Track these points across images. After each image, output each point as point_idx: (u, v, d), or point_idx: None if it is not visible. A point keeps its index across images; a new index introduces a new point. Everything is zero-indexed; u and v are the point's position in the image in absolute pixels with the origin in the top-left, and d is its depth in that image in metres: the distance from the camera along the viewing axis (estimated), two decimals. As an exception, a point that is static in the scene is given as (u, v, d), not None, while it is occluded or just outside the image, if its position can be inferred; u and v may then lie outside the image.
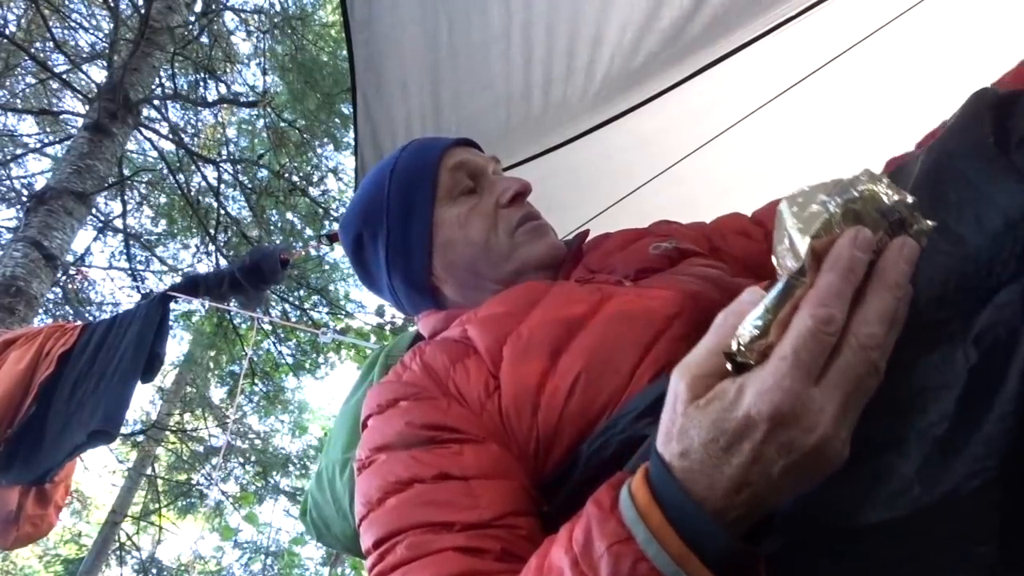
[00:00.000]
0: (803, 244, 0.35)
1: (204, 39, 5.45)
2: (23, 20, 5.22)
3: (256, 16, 5.73)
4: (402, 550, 0.54)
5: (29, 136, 5.66)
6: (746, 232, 0.96)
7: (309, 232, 5.96)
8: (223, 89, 5.68)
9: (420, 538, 0.54)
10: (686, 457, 0.37)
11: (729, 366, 0.36)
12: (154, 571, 7.05)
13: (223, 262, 5.27)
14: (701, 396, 0.37)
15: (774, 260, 0.38)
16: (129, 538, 6.36)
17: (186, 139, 5.64)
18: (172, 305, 2.41)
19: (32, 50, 4.96)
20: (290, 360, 6.45)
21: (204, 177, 5.39)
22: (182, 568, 7.71)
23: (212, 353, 6.57)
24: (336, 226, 5.83)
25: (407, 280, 0.86)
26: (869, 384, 0.34)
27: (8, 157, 5.21)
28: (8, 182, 5.10)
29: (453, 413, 0.63)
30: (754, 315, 0.35)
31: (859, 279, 0.34)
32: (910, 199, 0.36)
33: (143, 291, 5.30)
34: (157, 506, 6.87)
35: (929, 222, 0.36)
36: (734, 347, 0.36)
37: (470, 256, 0.82)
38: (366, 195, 0.88)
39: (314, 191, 6.07)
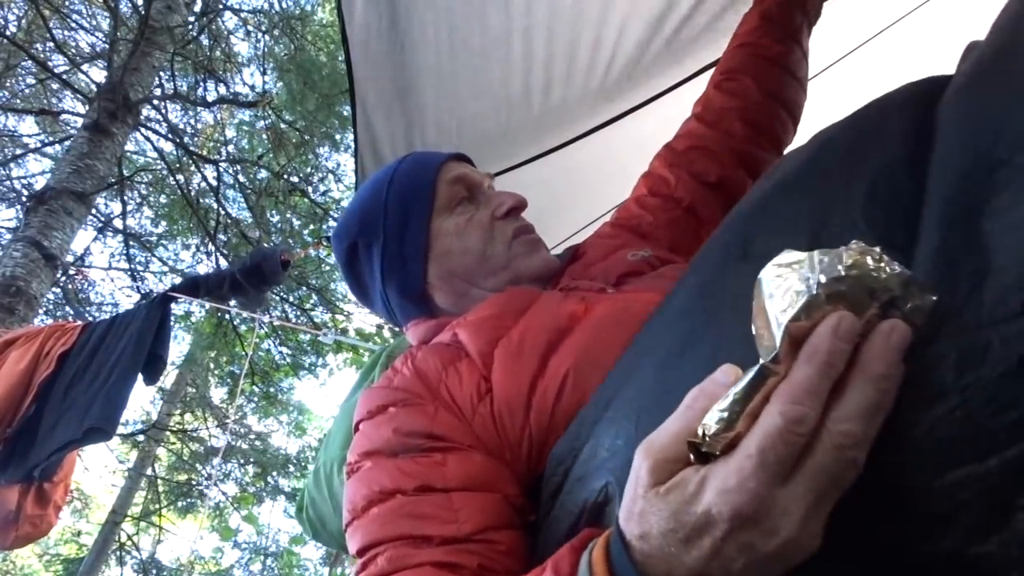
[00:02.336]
0: (779, 327, 0.32)
1: (204, 39, 5.45)
2: (23, 20, 5.22)
3: (256, 16, 5.73)
4: (382, 562, 0.55)
5: (29, 136, 5.67)
6: (661, 207, 1.00)
7: (308, 233, 5.96)
8: (223, 89, 5.68)
9: (399, 551, 0.55)
10: (645, 540, 0.36)
11: (692, 456, 0.34)
12: (154, 571, 7.05)
13: (223, 262, 5.27)
14: (663, 482, 0.35)
15: (753, 331, 0.35)
16: (129, 538, 6.37)
17: (186, 139, 5.64)
18: (172, 306, 2.41)
19: (32, 50, 4.95)
20: (289, 361, 6.45)
21: (204, 177, 5.39)
22: (182, 568, 7.71)
23: (212, 354, 6.57)
24: (335, 226, 5.85)
25: (401, 289, 0.87)
26: (846, 478, 0.31)
27: (8, 157, 5.21)
28: (8, 182, 5.10)
29: (440, 420, 0.64)
30: (722, 403, 0.33)
31: (839, 372, 0.31)
32: (906, 273, 0.32)
33: (143, 291, 5.31)
34: (157, 506, 6.88)
35: (931, 297, 0.32)
36: (699, 435, 0.33)
37: (467, 265, 0.83)
38: (362, 205, 0.89)
39: (313, 192, 6.08)
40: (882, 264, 0.32)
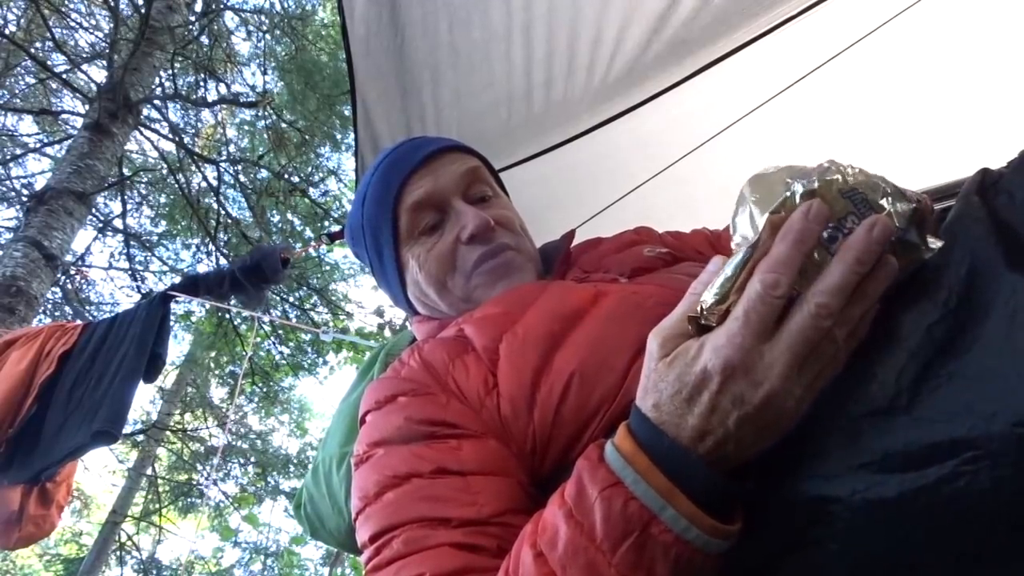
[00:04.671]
0: (762, 219, 0.38)
1: (204, 39, 5.45)
2: (23, 20, 5.22)
3: (256, 16, 5.73)
4: (398, 544, 0.54)
5: (29, 136, 5.66)
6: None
7: (309, 233, 5.96)
8: (223, 89, 5.68)
9: (417, 532, 0.54)
10: (658, 409, 0.41)
11: (691, 328, 0.40)
12: (154, 571, 7.05)
13: (223, 262, 5.27)
14: (669, 354, 0.41)
15: (731, 231, 0.42)
16: (129, 538, 6.37)
17: (186, 139, 5.64)
18: (172, 305, 2.40)
19: (32, 50, 4.95)
20: (289, 360, 6.45)
21: (204, 177, 5.39)
22: (182, 568, 7.71)
23: (212, 353, 6.56)
24: (335, 226, 5.86)
25: (392, 299, 0.91)
26: (825, 350, 0.37)
27: (8, 157, 5.21)
28: (8, 182, 5.10)
29: (452, 409, 0.63)
30: (716, 283, 0.39)
31: (809, 248, 0.37)
32: (883, 181, 0.38)
33: (143, 291, 5.30)
34: (157, 506, 6.87)
35: (910, 204, 0.38)
36: (697, 311, 0.40)
37: (433, 294, 0.82)
38: (350, 220, 0.90)
39: (314, 192, 6.07)
40: (855, 171, 0.39)
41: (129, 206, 5.48)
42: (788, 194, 0.38)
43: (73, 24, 5.24)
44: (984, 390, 0.31)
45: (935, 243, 0.38)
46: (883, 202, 0.38)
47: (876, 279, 0.37)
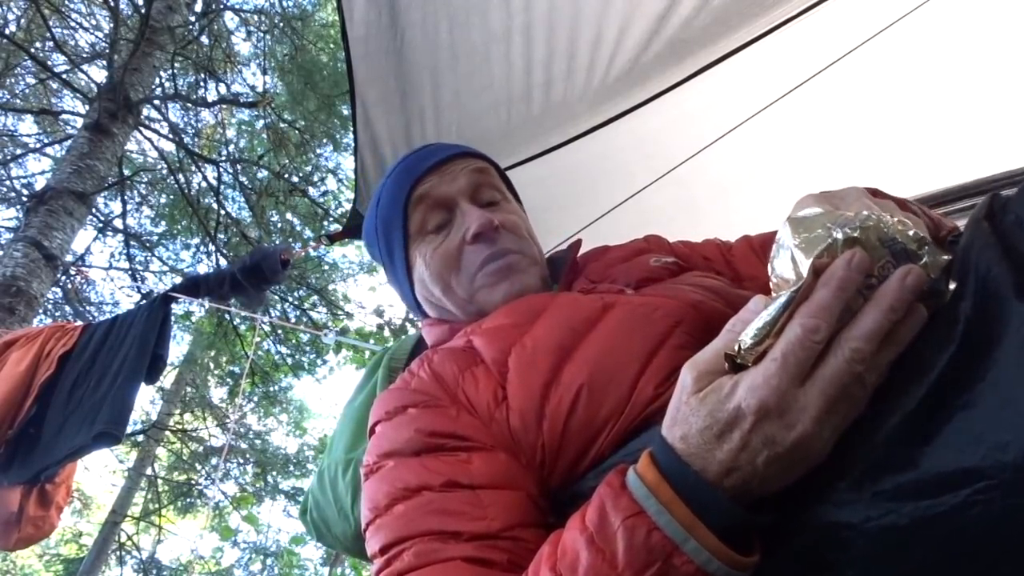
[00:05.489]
0: (805, 263, 0.39)
1: (204, 39, 5.44)
2: (23, 20, 5.21)
3: (256, 16, 5.73)
4: (409, 557, 0.54)
5: (29, 136, 5.65)
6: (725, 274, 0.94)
7: (309, 232, 5.96)
8: (223, 89, 5.68)
9: (428, 546, 0.54)
10: (685, 441, 0.41)
11: (727, 365, 0.41)
12: (154, 571, 7.05)
13: (223, 262, 5.26)
14: (703, 389, 0.41)
15: (769, 272, 0.43)
16: (129, 538, 6.37)
17: (186, 139, 5.64)
18: (172, 306, 2.40)
19: (32, 50, 4.95)
20: (290, 361, 6.44)
21: (204, 177, 5.39)
22: (182, 568, 7.71)
23: (212, 353, 6.56)
24: (335, 226, 5.86)
25: (403, 300, 0.93)
26: (854, 393, 0.38)
27: (8, 157, 5.20)
28: (8, 182, 5.09)
29: (462, 421, 0.63)
30: (756, 323, 0.40)
31: (850, 295, 0.38)
32: (920, 234, 0.39)
33: (143, 291, 5.30)
34: (157, 506, 6.87)
35: (944, 256, 0.39)
36: (735, 350, 0.40)
37: (438, 292, 0.83)
38: (367, 225, 0.93)
39: (314, 192, 6.07)
40: (894, 221, 0.40)
41: (129, 206, 5.48)
42: (830, 240, 0.40)
43: (73, 24, 5.24)
44: (997, 420, 0.31)
45: (953, 285, 0.39)
46: (920, 252, 0.39)
47: (906, 326, 0.38)
